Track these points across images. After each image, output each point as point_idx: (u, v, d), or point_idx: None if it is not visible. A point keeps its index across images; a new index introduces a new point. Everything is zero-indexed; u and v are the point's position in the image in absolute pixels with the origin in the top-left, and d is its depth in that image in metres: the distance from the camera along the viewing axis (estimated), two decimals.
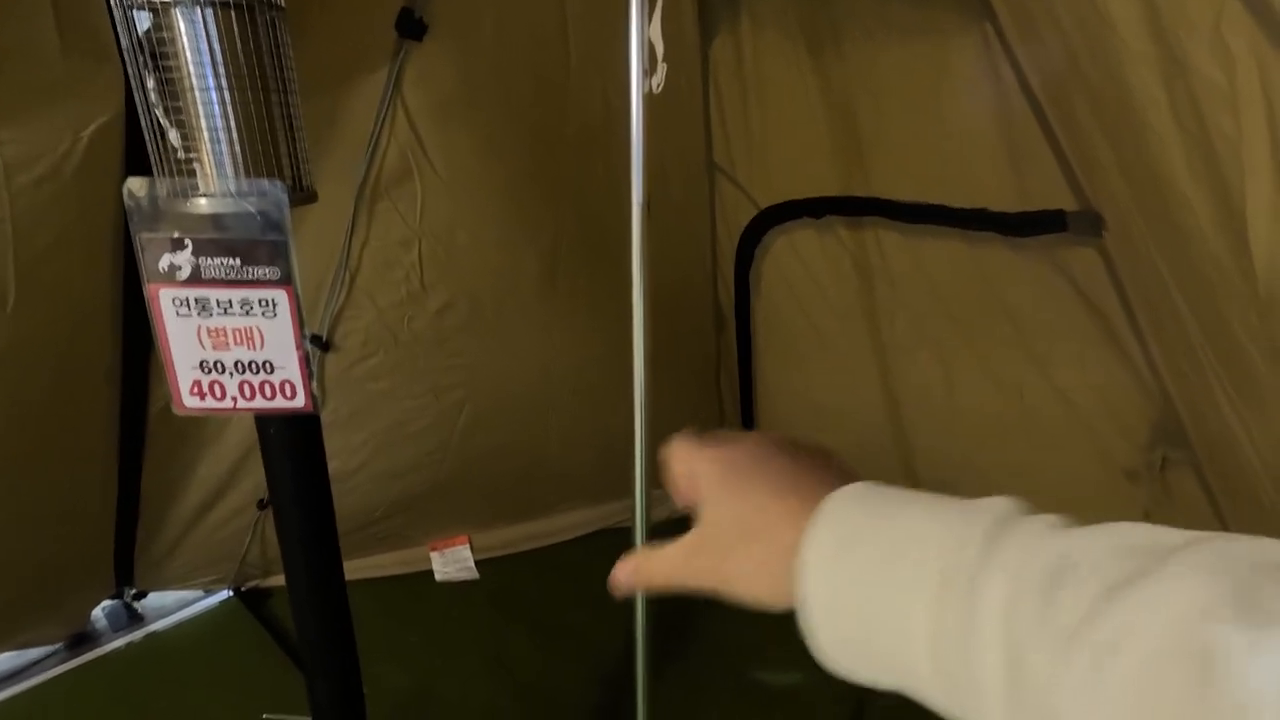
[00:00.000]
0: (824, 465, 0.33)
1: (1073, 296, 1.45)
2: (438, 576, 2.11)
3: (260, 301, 0.76)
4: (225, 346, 0.77)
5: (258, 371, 0.78)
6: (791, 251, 1.82)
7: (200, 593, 1.98)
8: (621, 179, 0.79)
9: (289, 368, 0.79)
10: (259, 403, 0.79)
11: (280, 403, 0.79)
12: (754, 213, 1.79)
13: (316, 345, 1.51)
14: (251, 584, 2.01)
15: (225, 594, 2.00)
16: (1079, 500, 1.60)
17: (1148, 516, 1.51)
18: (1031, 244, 1.42)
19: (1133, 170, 1.01)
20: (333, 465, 1.80)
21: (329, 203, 1.38)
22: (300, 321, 0.77)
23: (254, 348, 0.77)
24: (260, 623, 1.89)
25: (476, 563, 2.11)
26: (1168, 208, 0.87)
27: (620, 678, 0.99)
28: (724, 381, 2.24)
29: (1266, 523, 1.09)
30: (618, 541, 0.97)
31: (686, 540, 0.34)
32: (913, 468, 1.90)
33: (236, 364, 0.77)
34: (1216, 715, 0.18)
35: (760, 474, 0.33)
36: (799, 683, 1.67)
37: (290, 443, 0.85)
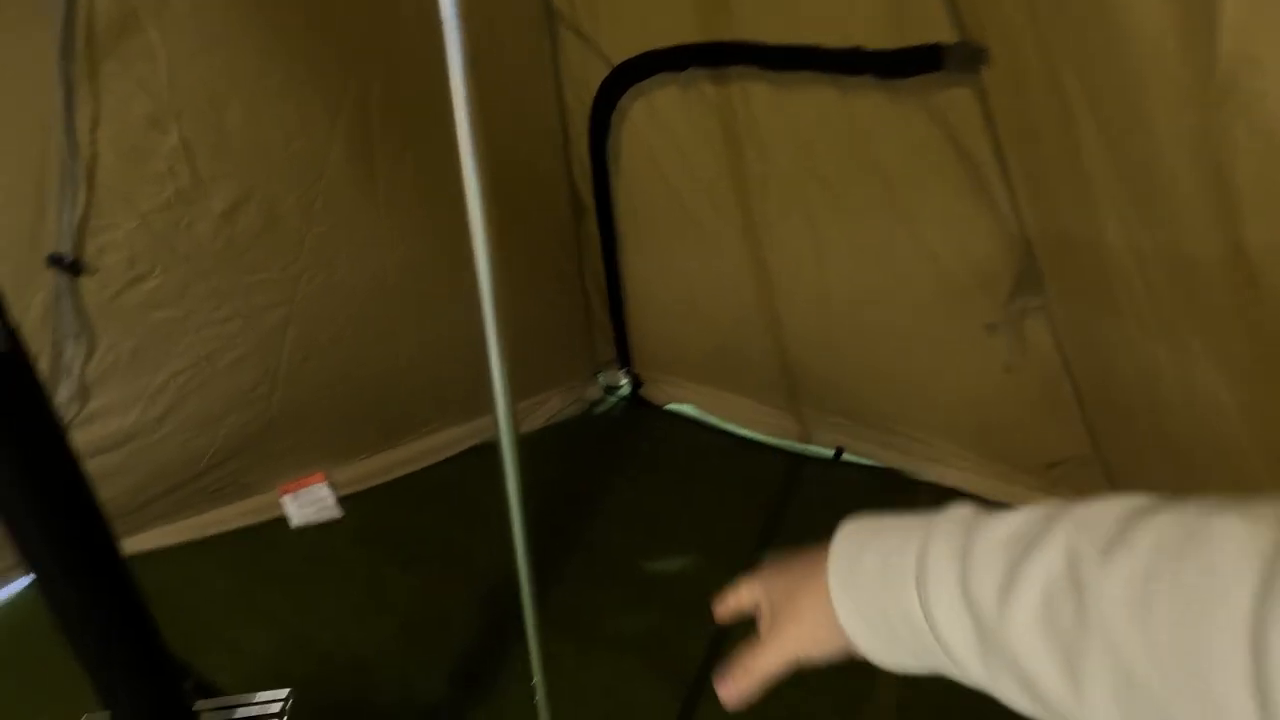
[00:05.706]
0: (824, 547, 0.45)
1: (943, 144, 1.37)
2: (294, 522, 1.90)
3: None
4: None
5: None
6: (652, 117, 1.61)
7: None
8: (436, 18, 0.57)
9: None
10: None
11: None
12: (606, 71, 1.55)
13: (60, 267, 1.16)
14: None
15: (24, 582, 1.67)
16: (946, 361, 1.61)
17: (1007, 370, 1.54)
18: (907, 88, 1.31)
19: None
20: (127, 418, 1.51)
21: (23, 63, 1.01)
22: None
23: None
24: None
25: (338, 500, 1.91)
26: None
27: (509, 593, 0.91)
28: (588, 275, 2.05)
29: (1121, 329, 1.09)
30: (497, 455, 0.85)
31: (768, 634, 0.46)
32: (785, 348, 1.84)
33: None
34: (1092, 625, 0.31)
35: (787, 566, 0.47)
36: (685, 567, 1.69)
37: None
